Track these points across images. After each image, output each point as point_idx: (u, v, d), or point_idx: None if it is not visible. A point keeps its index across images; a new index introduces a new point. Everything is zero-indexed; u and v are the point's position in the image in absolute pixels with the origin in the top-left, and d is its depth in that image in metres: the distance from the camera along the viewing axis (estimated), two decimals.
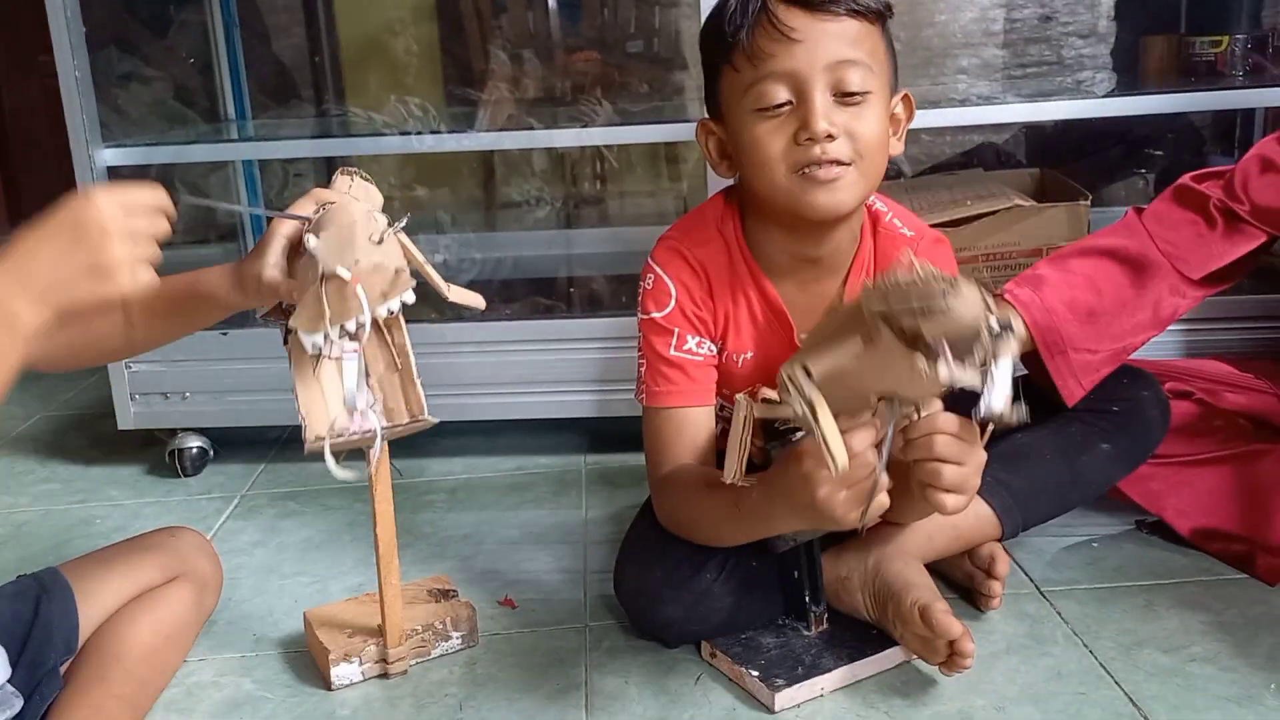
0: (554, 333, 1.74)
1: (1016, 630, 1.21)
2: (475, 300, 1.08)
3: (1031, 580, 1.32)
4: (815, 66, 1.03)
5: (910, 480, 0.98)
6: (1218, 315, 1.56)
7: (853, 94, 1.04)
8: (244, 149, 2.05)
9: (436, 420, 1.07)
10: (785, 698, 1.09)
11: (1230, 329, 1.57)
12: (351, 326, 0.94)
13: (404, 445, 1.85)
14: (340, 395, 1.00)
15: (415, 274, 1.04)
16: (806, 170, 1.05)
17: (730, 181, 1.19)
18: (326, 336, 0.94)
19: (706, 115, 1.16)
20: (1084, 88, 2.08)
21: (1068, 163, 2.11)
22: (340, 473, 1.00)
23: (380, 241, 0.94)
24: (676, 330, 1.17)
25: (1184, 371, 1.43)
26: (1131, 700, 1.08)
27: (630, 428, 1.72)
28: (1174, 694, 1.08)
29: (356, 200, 1.01)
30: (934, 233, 1.21)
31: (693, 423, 1.16)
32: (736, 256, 1.17)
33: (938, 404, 0.95)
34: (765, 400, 0.97)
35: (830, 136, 1.03)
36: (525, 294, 2.04)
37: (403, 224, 1.04)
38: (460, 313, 1.94)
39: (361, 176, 1.13)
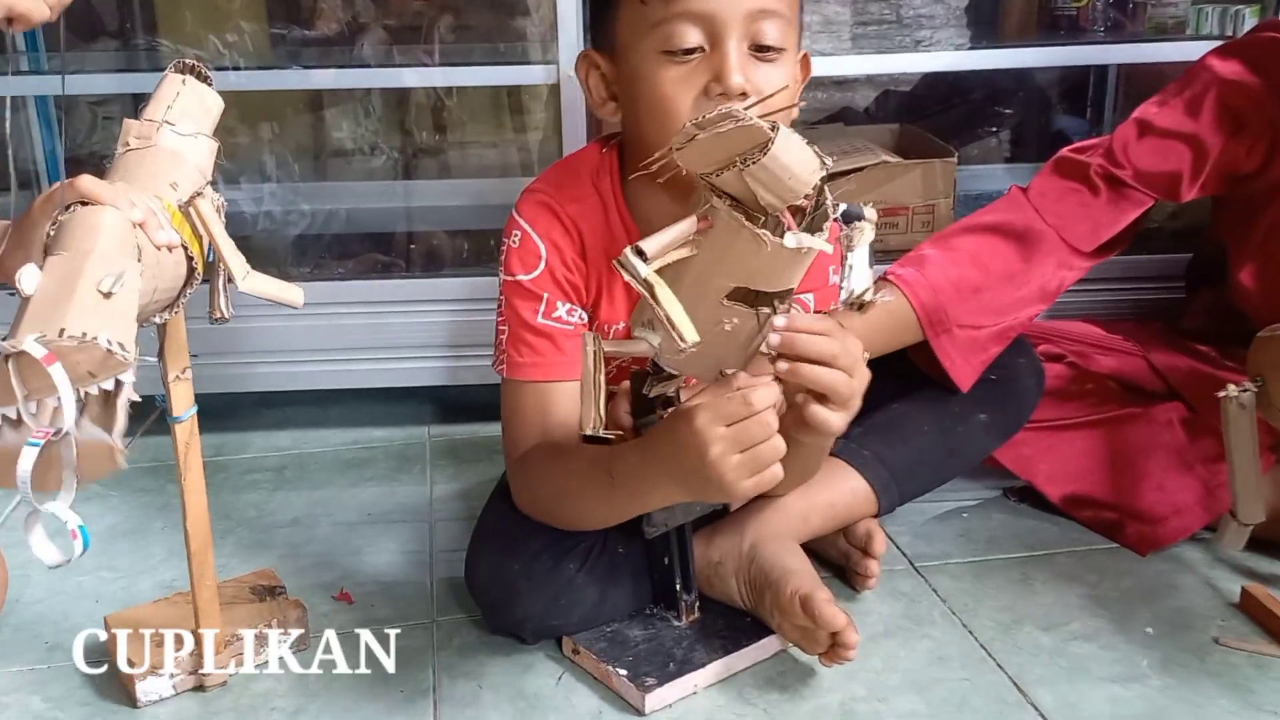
0: (394, 294, 1.59)
1: (893, 610, 1.15)
2: (286, 295, 0.89)
3: (905, 555, 1.26)
4: (735, 13, 0.92)
5: (785, 420, 0.88)
6: (1085, 277, 1.53)
7: (768, 48, 0.94)
8: (32, 83, 1.81)
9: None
10: (656, 698, 0.99)
11: (1096, 291, 1.54)
12: (43, 413, 0.68)
13: (222, 418, 1.69)
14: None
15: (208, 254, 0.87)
16: None
17: (596, 132, 1.08)
18: (18, 417, 0.68)
19: (591, 45, 1.04)
20: (941, 44, 2.04)
21: (922, 123, 2.08)
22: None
23: (110, 294, 0.69)
24: (545, 295, 1.05)
25: (1055, 333, 1.40)
26: (1016, 685, 1.03)
27: (479, 396, 1.60)
28: (1058, 676, 1.04)
29: (113, 209, 0.77)
30: None
31: (560, 399, 1.05)
32: (614, 217, 1.05)
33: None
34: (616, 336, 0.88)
35: (744, 94, 0.93)
36: (360, 250, 1.88)
37: (205, 192, 0.87)
38: (288, 271, 1.79)
39: (198, 75, 0.96)
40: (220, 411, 1.65)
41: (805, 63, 1.02)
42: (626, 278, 0.76)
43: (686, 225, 0.77)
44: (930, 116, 2.15)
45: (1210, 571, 1.22)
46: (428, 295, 1.59)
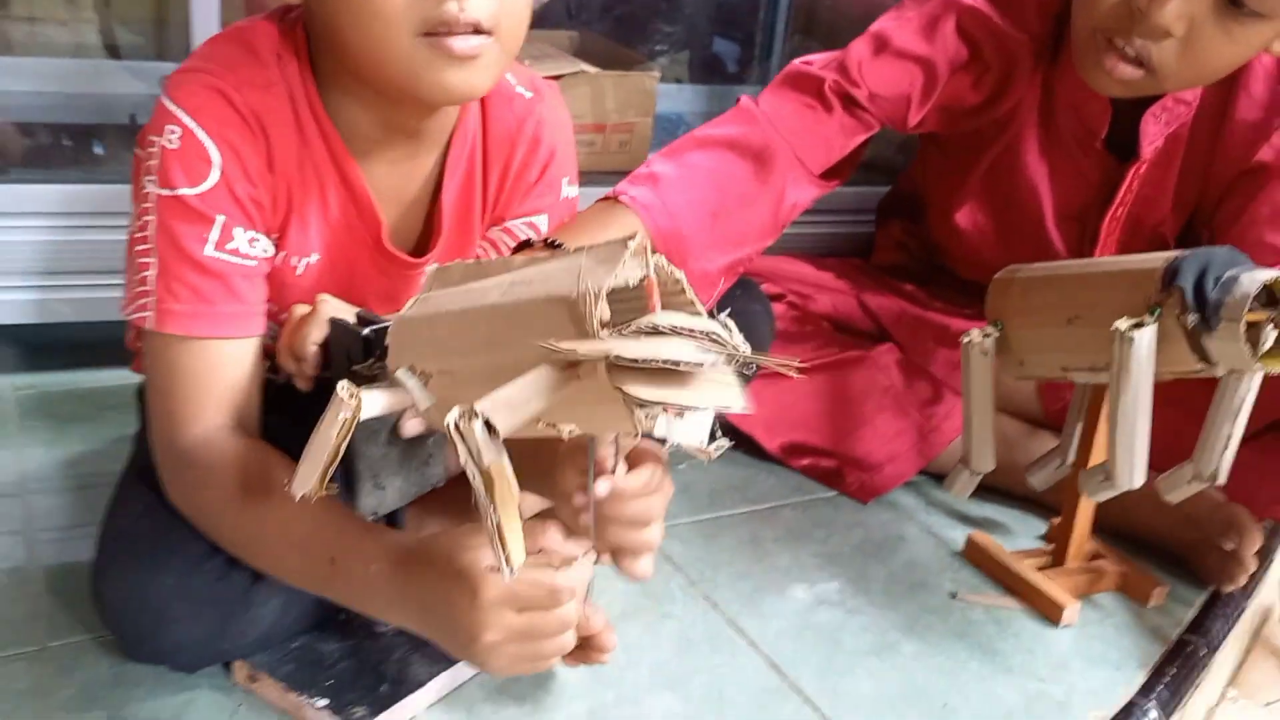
0: None
1: (630, 586, 1.01)
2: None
3: None
4: None
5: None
6: None
7: None
8: None
9: None
10: None
11: (798, 223, 1.46)
12: None
13: None
14: None
15: None
16: (436, 36, 0.71)
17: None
18: None
19: None
20: None
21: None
22: None
23: None
24: (220, 219, 0.77)
25: (771, 272, 1.31)
26: (777, 668, 0.92)
27: (78, 335, 1.27)
28: (813, 653, 0.95)
29: None
30: (547, 84, 0.92)
31: (233, 362, 0.79)
32: (306, 117, 0.79)
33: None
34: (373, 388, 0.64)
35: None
36: None
37: None
38: None
39: None
40: None
41: None
42: (462, 457, 0.54)
43: (539, 379, 0.55)
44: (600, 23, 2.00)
45: (929, 518, 1.19)
46: (11, 207, 1.23)
